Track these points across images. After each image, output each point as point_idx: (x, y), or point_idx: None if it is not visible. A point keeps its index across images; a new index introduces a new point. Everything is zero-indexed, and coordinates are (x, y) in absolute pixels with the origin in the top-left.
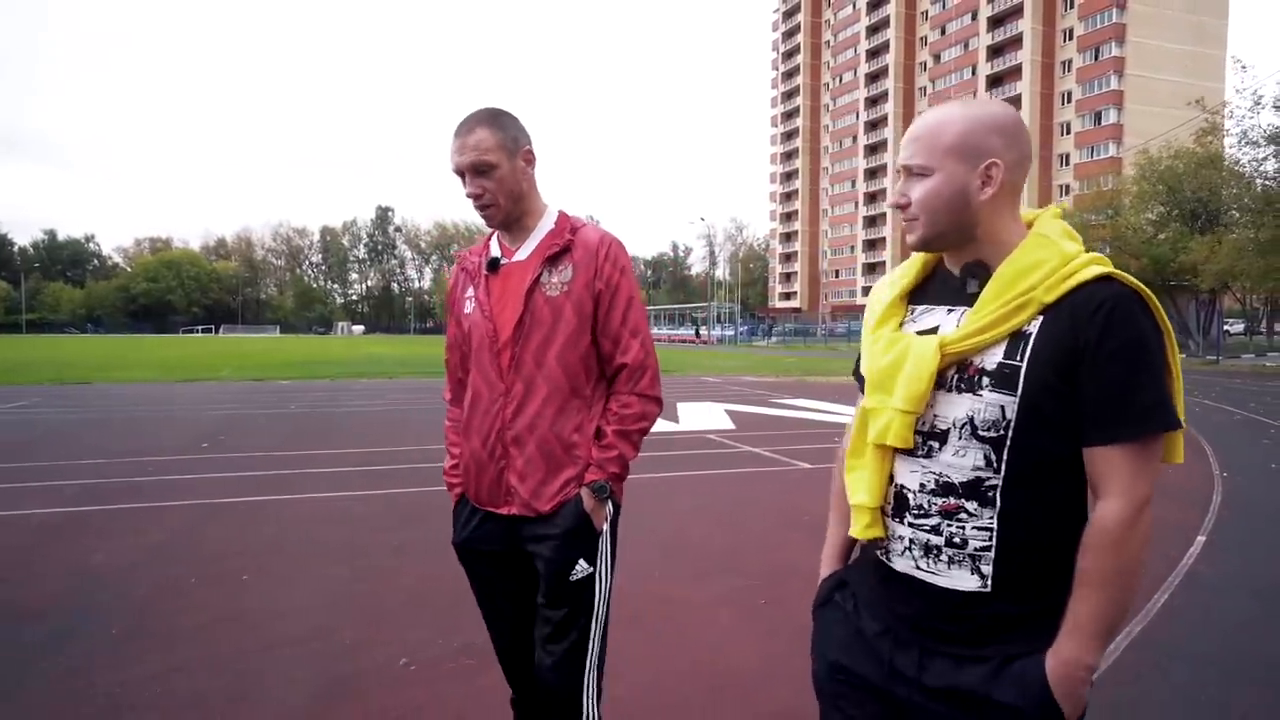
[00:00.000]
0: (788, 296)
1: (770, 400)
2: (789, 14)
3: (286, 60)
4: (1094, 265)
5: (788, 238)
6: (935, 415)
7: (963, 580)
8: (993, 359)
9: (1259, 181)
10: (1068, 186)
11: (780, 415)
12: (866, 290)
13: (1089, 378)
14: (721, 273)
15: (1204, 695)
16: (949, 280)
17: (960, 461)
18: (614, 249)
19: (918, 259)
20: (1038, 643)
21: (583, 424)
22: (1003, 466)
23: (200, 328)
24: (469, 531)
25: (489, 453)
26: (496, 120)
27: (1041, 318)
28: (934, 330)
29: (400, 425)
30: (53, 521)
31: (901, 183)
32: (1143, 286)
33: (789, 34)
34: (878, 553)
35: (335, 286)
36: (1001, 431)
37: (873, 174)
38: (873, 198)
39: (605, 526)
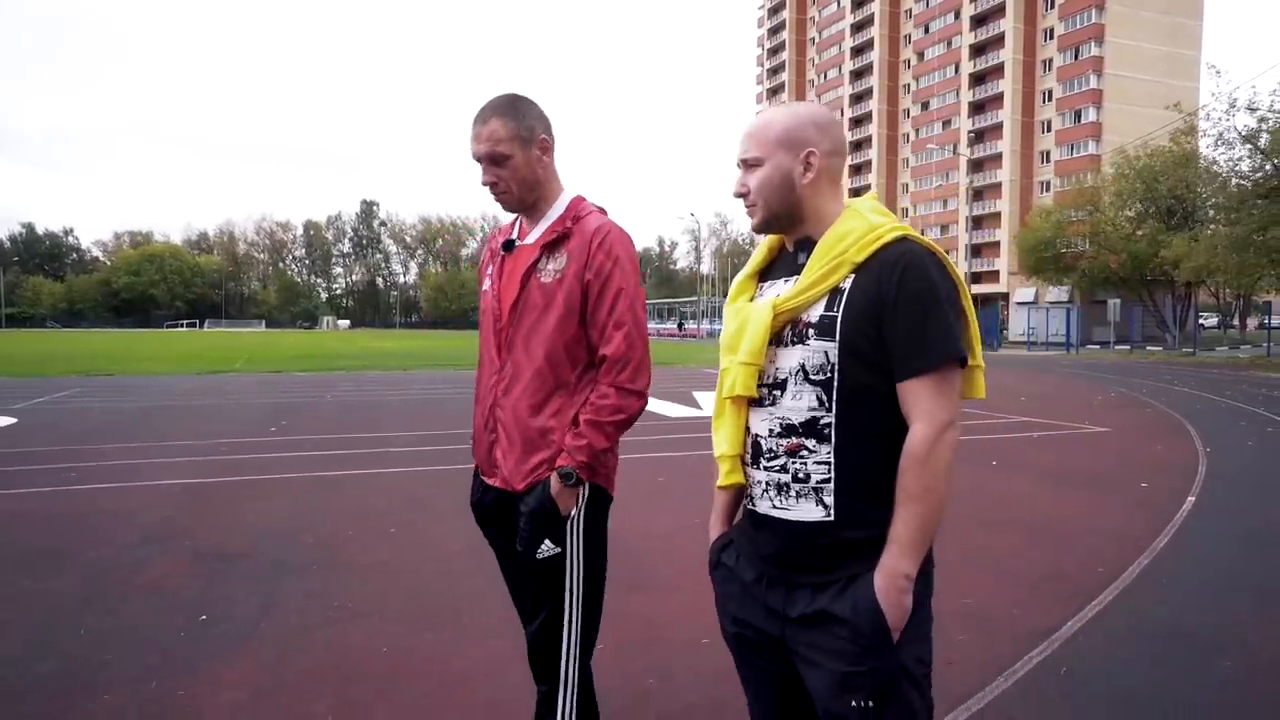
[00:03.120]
0: None
1: None
2: (774, 10)
3: (269, 51)
4: (896, 231)
5: None
6: (776, 367)
7: (810, 512)
8: (816, 313)
9: (1234, 180)
10: (1048, 183)
11: None
12: None
13: (889, 322)
14: (707, 267)
15: (1200, 611)
16: (788, 257)
17: (797, 404)
18: (609, 238)
19: (765, 244)
20: (875, 563)
21: (561, 410)
22: (833, 405)
23: (184, 322)
24: (477, 496)
25: (484, 424)
26: (513, 109)
27: (854, 275)
28: (774, 298)
29: (449, 411)
30: (197, 490)
31: (741, 175)
32: (936, 246)
33: (774, 30)
34: (745, 501)
35: (319, 281)
36: (828, 374)
37: (857, 170)
38: (856, 194)
39: (577, 511)
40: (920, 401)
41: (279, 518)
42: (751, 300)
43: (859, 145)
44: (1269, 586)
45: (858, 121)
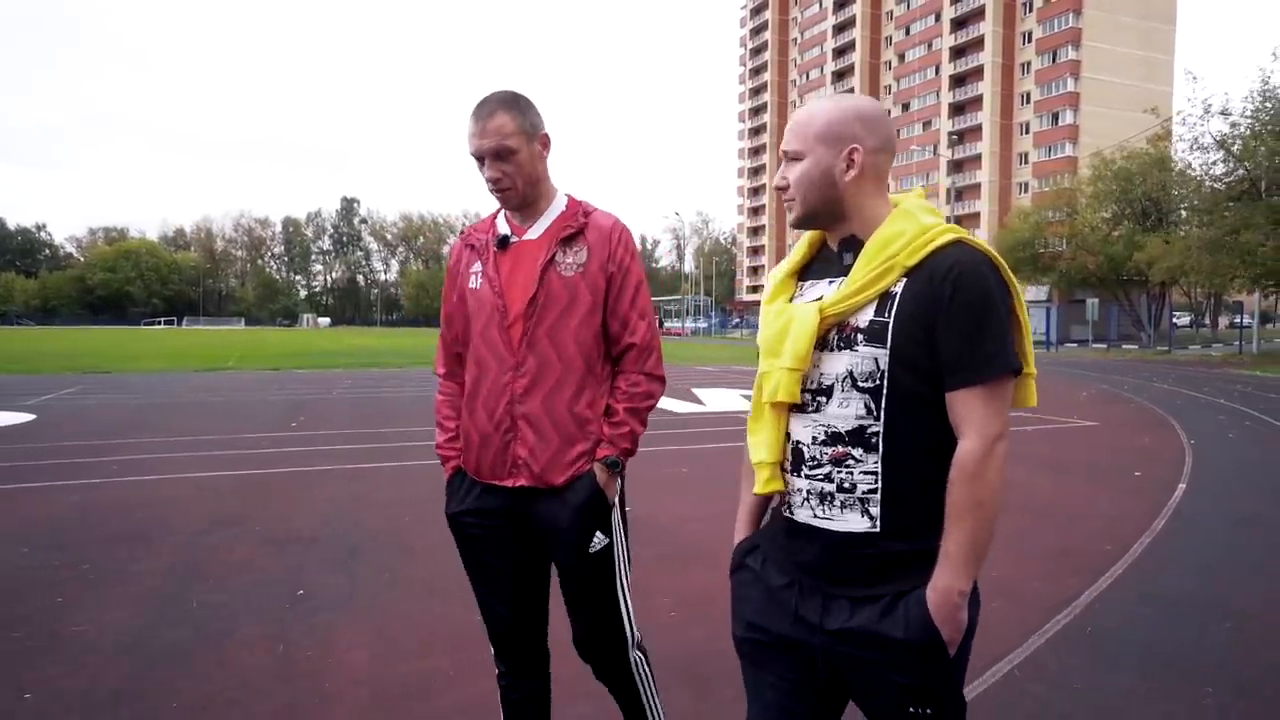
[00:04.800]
0: (755, 289)
1: None
2: (756, 11)
3: (248, 45)
4: (949, 233)
5: (755, 231)
6: (821, 373)
7: (854, 522)
8: (865, 318)
9: (1207, 184)
10: (1027, 184)
11: None
12: None
13: (943, 330)
14: (689, 266)
15: (1202, 582)
16: (830, 256)
17: (844, 412)
18: (625, 234)
19: (805, 241)
20: (923, 578)
21: (595, 400)
22: (881, 413)
23: (162, 320)
24: (469, 503)
25: (495, 425)
26: (516, 104)
27: (905, 279)
28: (818, 300)
29: None
30: (243, 481)
31: (782, 167)
32: (991, 250)
33: (756, 30)
34: (782, 508)
35: (298, 278)
36: (877, 381)
37: None
38: None
39: (615, 498)
40: (972, 413)
41: (332, 505)
42: (792, 300)
43: None
44: (1260, 560)
45: None
